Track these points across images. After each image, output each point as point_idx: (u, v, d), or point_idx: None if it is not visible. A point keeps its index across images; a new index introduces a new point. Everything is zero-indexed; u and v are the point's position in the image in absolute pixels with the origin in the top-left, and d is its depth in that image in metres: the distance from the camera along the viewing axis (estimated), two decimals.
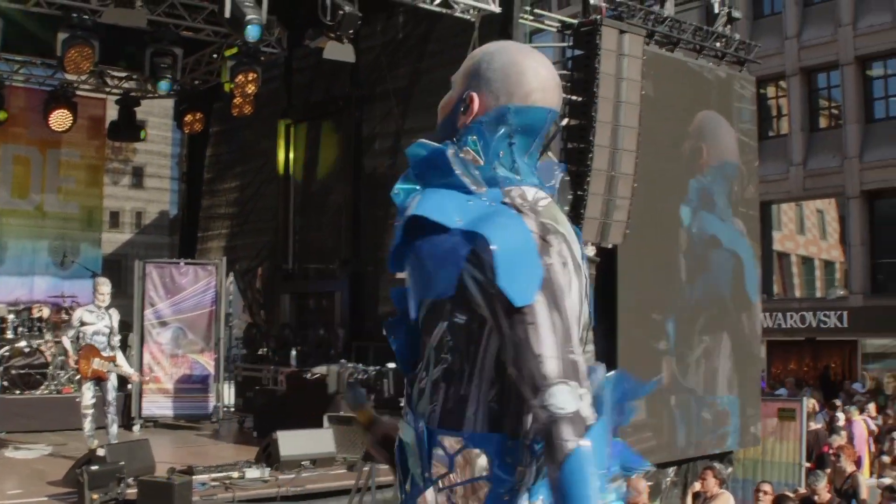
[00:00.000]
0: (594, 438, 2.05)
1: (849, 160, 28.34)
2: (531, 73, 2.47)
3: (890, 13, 28.03)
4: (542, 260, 2.17)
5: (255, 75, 16.81)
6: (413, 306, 2.33)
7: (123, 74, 20.36)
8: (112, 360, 12.51)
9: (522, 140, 2.44)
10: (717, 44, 18.31)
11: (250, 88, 16.91)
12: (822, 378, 29.46)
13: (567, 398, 2.07)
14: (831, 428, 16.85)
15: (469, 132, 2.45)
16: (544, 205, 2.31)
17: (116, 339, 12.74)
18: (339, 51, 14.30)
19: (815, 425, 16.92)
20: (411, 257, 2.30)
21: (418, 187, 2.35)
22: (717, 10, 19.52)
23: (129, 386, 15.02)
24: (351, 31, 13.93)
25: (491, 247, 2.12)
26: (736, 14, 20.09)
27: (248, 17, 12.93)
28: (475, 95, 2.48)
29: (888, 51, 28.19)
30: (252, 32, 13.15)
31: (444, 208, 2.23)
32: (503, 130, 2.43)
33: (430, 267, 2.25)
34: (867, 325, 28.07)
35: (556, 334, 2.12)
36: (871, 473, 16.02)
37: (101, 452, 10.70)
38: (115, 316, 12.82)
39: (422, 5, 14.71)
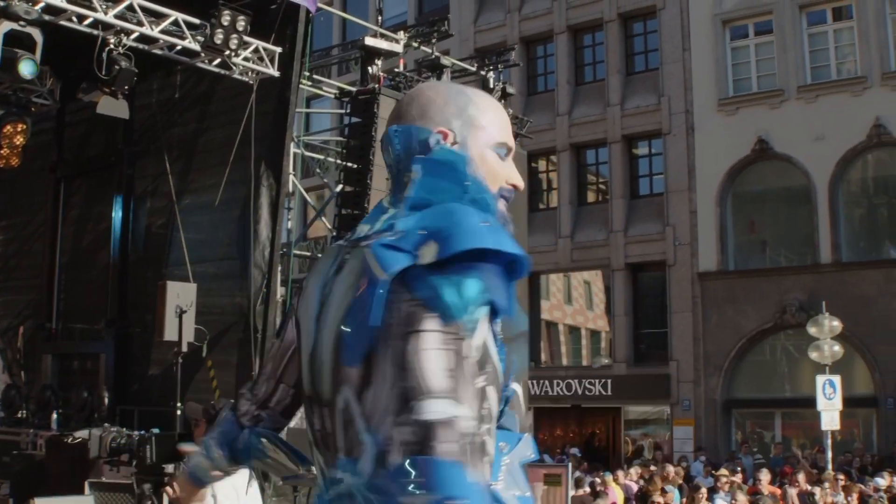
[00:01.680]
0: None
1: (614, 234, 29.43)
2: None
3: (655, 95, 29.42)
4: None
5: (24, 126, 16.31)
6: None
7: None
8: None
9: None
10: None
11: (18, 140, 16.39)
12: (587, 444, 30.29)
13: None
14: (595, 493, 17.27)
15: None
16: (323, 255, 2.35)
17: None
18: (113, 106, 14.04)
19: (580, 491, 17.32)
20: None
21: None
22: (492, 85, 20.08)
23: None
24: (126, 87, 13.74)
25: None
26: (510, 90, 20.74)
27: (21, 54, 12.52)
28: None
29: (653, 131, 29.55)
30: (26, 69, 12.71)
31: None
32: None
33: None
34: (630, 392, 29.06)
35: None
36: None
37: None
38: None
39: (200, 65, 14.63)
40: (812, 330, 20.34)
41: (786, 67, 27.50)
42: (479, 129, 2.27)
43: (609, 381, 29.44)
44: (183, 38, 13.92)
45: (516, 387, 2.23)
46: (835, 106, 26.39)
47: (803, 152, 26.75)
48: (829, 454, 19.24)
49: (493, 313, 2.05)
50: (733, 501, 14.11)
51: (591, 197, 31.56)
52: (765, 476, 17.26)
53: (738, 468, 20.09)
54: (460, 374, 1.95)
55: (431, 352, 1.95)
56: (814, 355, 20.27)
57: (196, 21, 13.86)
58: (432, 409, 1.91)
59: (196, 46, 13.93)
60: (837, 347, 20.09)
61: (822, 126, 26.31)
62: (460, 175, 2.20)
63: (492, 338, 2.07)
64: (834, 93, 26.77)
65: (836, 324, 20.09)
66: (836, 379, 19.08)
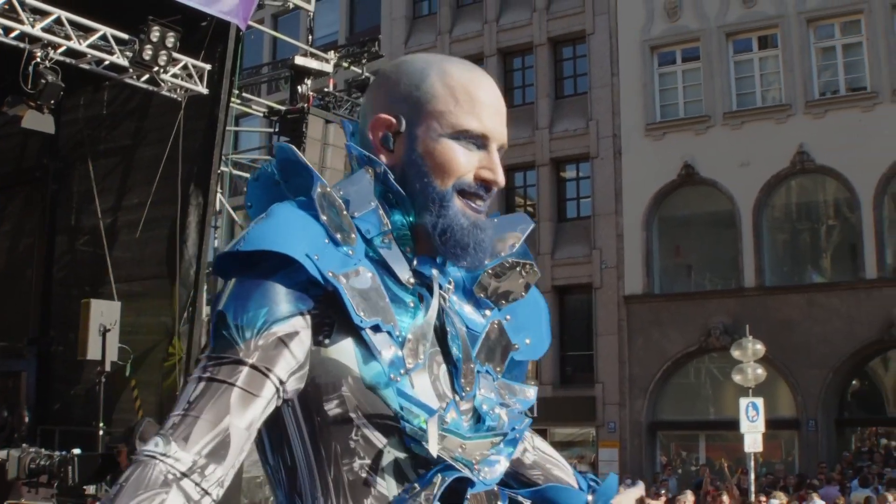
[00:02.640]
0: None
1: (541, 256, 29.53)
2: None
3: (583, 119, 29.66)
4: None
5: None
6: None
7: None
8: None
9: None
10: None
11: None
12: None
13: None
14: None
15: None
16: None
17: None
18: (38, 121, 13.87)
19: None
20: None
21: None
22: None
23: None
24: (52, 102, 13.57)
25: None
26: None
27: None
28: None
29: (581, 154, 29.77)
30: None
31: None
32: None
33: None
34: (556, 414, 29.12)
35: None
36: None
37: None
38: None
39: (128, 80, 14.51)
40: (736, 353, 20.55)
41: (712, 94, 27.88)
42: (432, 115, 1.89)
43: (535, 403, 29.45)
44: (111, 53, 13.81)
45: (431, 422, 1.78)
46: (759, 132, 26.79)
47: (728, 178, 27.11)
48: (752, 476, 19.43)
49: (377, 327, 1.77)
50: None
51: None
52: (689, 497, 17.39)
53: (663, 490, 20.25)
54: (203, 406, 1.65)
55: (190, 382, 1.70)
56: (737, 378, 20.46)
57: (125, 36, 13.75)
58: (144, 448, 1.64)
59: (124, 62, 13.82)
60: (760, 370, 20.30)
61: (747, 152, 26.69)
62: (302, 167, 1.91)
63: (358, 348, 1.77)
64: (759, 120, 27.17)
65: (760, 347, 20.31)
66: (759, 401, 19.28)
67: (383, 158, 1.90)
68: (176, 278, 14.28)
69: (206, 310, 15.07)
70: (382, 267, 1.86)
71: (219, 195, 15.04)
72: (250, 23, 15.14)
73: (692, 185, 27.91)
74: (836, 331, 25.12)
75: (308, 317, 1.74)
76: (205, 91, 14.54)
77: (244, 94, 18.22)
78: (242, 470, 14.26)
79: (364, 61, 19.47)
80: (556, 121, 30.29)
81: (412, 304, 1.88)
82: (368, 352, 1.77)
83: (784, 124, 26.79)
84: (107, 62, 14.00)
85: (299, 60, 17.45)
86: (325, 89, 18.10)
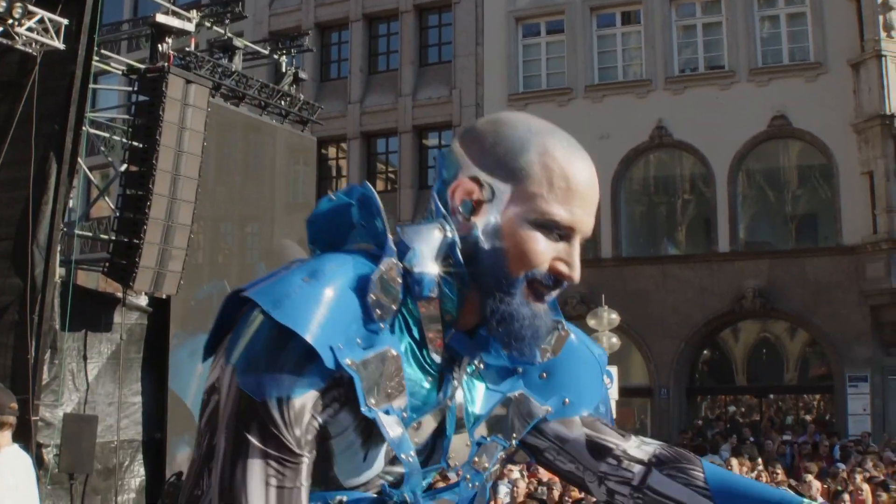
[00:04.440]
0: None
1: (402, 223, 29.59)
2: None
3: (447, 87, 29.75)
4: None
5: None
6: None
7: None
8: None
9: None
10: (283, 102, 18.72)
11: None
12: None
13: None
14: None
15: None
16: None
17: None
18: None
19: None
20: None
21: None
22: (284, 70, 19.98)
23: None
24: None
25: None
26: (302, 75, 20.65)
27: None
28: None
29: (443, 122, 29.85)
30: None
31: None
32: None
33: None
34: None
35: None
36: None
37: None
38: None
39: None
40: (591, 322, 20.92)
41: (575, 67, 28.22)
42: (522, 196, 1.78)
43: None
44: None
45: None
46: (620, 106, 27.24)
47: (588, 150, 25.90)
48: None
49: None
50: (515, 489, 14.39)
51: (380, 185, 31.65)
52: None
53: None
54: None
55: (253, 480, 1.58)
56: None
57: None
58: None
59: None
60: (615, 339, 20.74)
61: (607, 125, 27.09)
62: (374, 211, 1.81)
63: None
64: (620, 94, 27.64)
65: (615, 317, 20.73)
66: (614, 370, 19.65)
67: (458, 223, 1.78)
68: (29, 240, 13.90)
69: (59, 271, 14.74)
70: (418, 327, 1.76)
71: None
72: None
73: None
74: (688, 302, 25.79)
75: (335, 389, 1.64)
76: (61, 46, 14.14)
77: (103, 52, 17.78)
78: (96, 435, 14.04)
79: (227, 22, 19.19)
80: (419, 88, 30.32)
81: (428, 384, 1.78)
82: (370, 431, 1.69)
83: (644, 99, 27.30)
84: None
85: (161, 18, 17.10)
86: (187, 49, 17.77)
